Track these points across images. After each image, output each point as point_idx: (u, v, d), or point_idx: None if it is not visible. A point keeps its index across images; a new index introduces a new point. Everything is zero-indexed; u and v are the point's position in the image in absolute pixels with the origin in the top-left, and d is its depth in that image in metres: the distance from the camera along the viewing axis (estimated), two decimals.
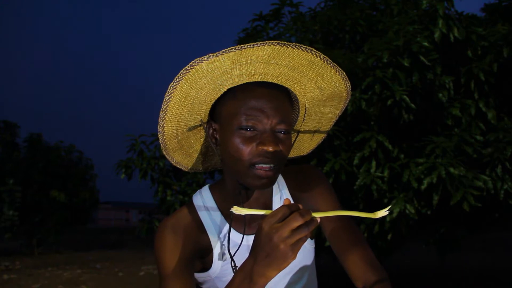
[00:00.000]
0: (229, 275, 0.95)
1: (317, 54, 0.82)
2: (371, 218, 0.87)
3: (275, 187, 1.01)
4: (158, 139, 4.17)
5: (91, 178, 13.19)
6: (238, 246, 0.94)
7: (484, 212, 3.60)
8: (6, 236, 10.68)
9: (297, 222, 0.68)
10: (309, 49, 0.81)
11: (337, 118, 0.99)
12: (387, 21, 3.52)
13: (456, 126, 3.41)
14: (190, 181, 4.00)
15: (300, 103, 0.94)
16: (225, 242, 0.95)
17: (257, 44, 0.77)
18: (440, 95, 3.35)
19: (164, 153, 0.95)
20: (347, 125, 3.38)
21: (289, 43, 0.79)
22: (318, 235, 2.75)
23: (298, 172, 1.05)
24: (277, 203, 0.99)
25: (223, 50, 0.78)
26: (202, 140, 0.98)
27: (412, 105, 3.12)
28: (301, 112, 0.95)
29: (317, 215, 0.73)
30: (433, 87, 3.36)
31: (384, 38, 3.28)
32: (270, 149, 0.83)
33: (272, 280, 0.86)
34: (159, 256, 0.93)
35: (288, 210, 0.70)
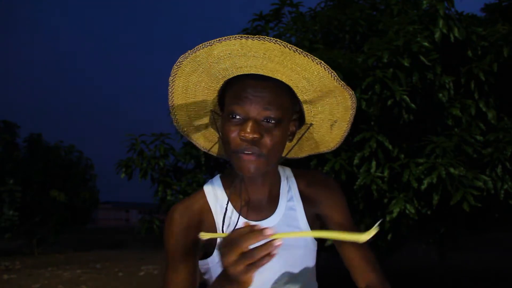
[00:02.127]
0: None
1: (284, 44, 0.81)
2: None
3: (283, 180, 1.05)
4: (158, 139, 4.20)
5: (91, 178, 13.19)
6: (234, 227, 0.97)
7: (484, 212, 3.60)
8: (6, 236, 10.67)
9: (240, 248, 0.67)
10: (274, 40, 0.81)
11: (353, 109, 0.97)
12: (387, 21, 3.52)
13: (456, 126, 3.41)
14: (190, 181, 4.00)
15: (298, 94, 0.94)
16: (225, 225, 0.98)
17: (223, 38, 0.82)
18: (440, 95, 3.35)
19: (188, 139, 1.05)
20: None
21: (254, 36, 0.81)
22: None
23: (311, 176, 1.08)
24: (284, 196, 1.03)
25: (197, 46, 0.85)
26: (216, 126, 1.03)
27: (412, 105, 3.12)
28: (305, 104, 0.97)
29: (279, 236, 0.68)
30: (433, 87, 3.36)
31: (384, 38, 3.28)
32: (249, 135, 0.86)
33: (270, 276, 0.96)
34: (166, 239, 0.97)
35: (238, 234, 0.68)
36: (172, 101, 0.97)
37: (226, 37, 0.81)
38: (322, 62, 0.86)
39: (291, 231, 1.00)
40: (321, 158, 3.28)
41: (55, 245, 11.90)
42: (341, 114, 0.99)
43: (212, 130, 1.05)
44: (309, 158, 3.30)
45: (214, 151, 1.10)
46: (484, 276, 6.82)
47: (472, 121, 3.38)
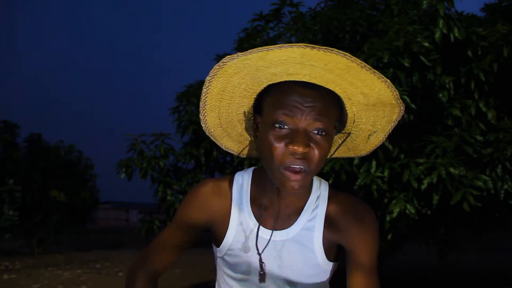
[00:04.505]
0: (235, 257, 0.98)
1: (352, 59, 0.78)
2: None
3: (313, 195, 0.98)
4: (158, 139, 4.20)
5: (91, 178, 13.17)
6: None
7: (484, 212, 3.60)
8: (6, 236, 10.66)
9: None
10: (342, 53, 0.77)
11: (396, 122, 0.93)
12: (387, 21, 3.52)
13: (456, 126, 3.41)
14: (190, 181, 4.00)
15: (347, 107, 0.91)
16: (240, 230, 0.97)
17: (284, 46, 0.76)
18: (440, 95, 3.35)
19: (212, 139, 1.00)
20: None
21: (320, 46, 0.76)
22: None
23: (347, 202, 0.98)
24: (307, 213, 0.96)
25: (251, 50, 0.79)
26: (248, 128, 0.99)
27: (412, 105, 3.12)
28: (350, 115, 0.93)
29: None
30: (433, 87, 3.36)
31: (384, 38, 3.28)
32: (300, 149, 0.81)
33: None
34: (183, 204, 1.01)
35: None
36: (205, 102, 0.91)
37: (289, 44, 0.77)
38: (388, 80, 0.82)
39: (304, 250, 0.95)
40: None
41: (55, 245, 11.89)
42: (382, 126, 0.94)
43: (239, 131, 0.99)
44: None
45: (239, 151, 1.05)
46: (484, 276, 6.82)
47: (472, 121, 3.38)
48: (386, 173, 3.14)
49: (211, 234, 1.02)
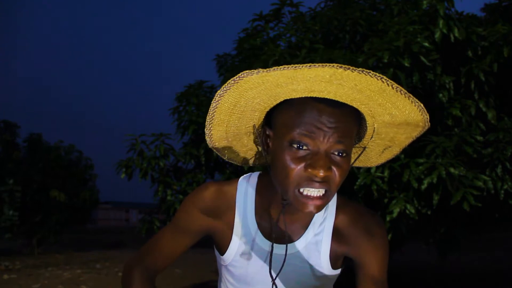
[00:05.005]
0: (239, 268, 0.95)
1: (388, 82, 0.73)
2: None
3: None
4: (158, 139, 4.20)
5: (91, 178, 13.17)
6: (250, 241, 0.93)
7: (484, 212, 3.60)
8: (6, 236, 10.66)
9: None
10: (378, 76, 0.72)
11: (414, 138, 0.89)
12: (387, 21, 3.52)
13: (456, 126, 3.41)
14: (190, 181, 4.00)
15: (368, 123, 0.86)
16: (243, 242, 0.94)
17: (314, 65, 0.71)
18: (440, 95, 3.35)
19: (215, 151, 0.95)
20: None
21: (354, 68, 0.71)
22: None
23: (357, 213, 0.94)
24: (314, 226, 0.93)
25: (275, 68, 0.73)
26: (256, 140, 0.94)
27: None
28: (369, 131, 0.88)
29: None
30: (433, 87, 3.36)
31: (384, 38, 3.28)
32: (321, 173, 0.76)
33: None
34: (183, 206, 0.97)
35: None
36: (213, 117, 0.85)
37: (320, 64, 0.71)
38: (421, 104, 0.78)
39: (310, 264, 0.93)
40: None
41: (55, 245, 11.89)
42: (400, 142, 0.90)
43: (243, 143, 0.95)
44: None
45: (241, 161, 1.00)
46: (484, 276, 6.82)
47: (472, 121, 3.38)
48: (386, 173, 3.14)
49: (213, 238, 1.00)
